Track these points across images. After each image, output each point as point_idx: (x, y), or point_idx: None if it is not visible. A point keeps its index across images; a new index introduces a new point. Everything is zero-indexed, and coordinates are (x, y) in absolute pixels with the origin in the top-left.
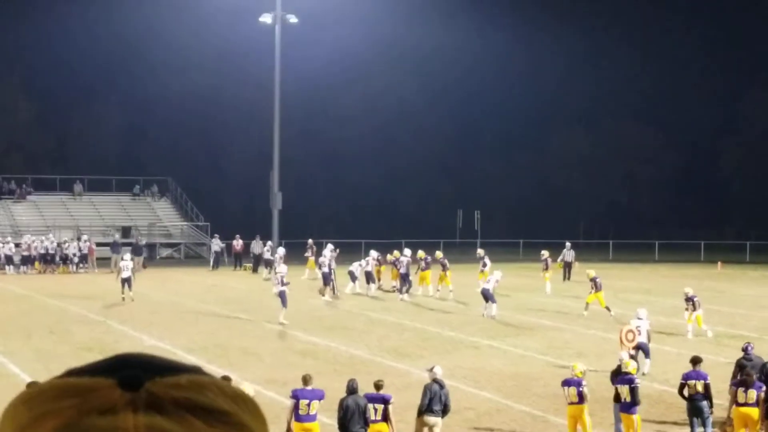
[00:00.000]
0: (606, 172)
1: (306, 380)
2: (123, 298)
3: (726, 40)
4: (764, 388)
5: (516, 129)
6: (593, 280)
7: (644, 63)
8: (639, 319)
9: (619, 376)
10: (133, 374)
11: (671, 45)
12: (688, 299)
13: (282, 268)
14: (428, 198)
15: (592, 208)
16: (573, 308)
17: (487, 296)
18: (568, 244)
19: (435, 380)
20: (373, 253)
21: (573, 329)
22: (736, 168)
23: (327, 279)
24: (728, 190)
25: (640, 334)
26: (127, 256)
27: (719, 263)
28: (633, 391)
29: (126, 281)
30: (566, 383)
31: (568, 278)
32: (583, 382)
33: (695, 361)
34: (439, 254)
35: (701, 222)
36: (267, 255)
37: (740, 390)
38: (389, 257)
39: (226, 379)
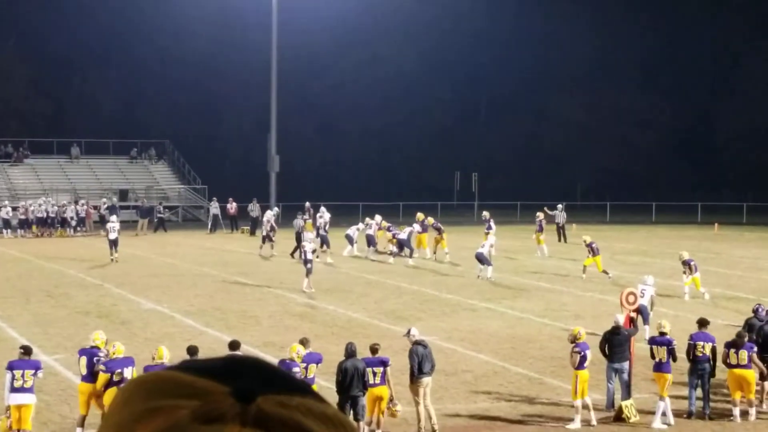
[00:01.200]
0: (602, 136)
1: (304, 343)
2: (111, 260)
3: (721, 5)
4: (755, 348)
5: (513, 92)
6: (589, 245)
7: (640, 28)
8: (645, 284)
9: (654, 337)
10: (249, 386)
11: (667, 10)
12: (685, 262)
13: (308, 236)
14: (425, 161)
15: (589, 170)
16: (570, 270)
17: (481, 259)
18: (560, 206)
19: (417, 342)
20: (377, 218)
21: (570, 291)
22: (732, 130)
23: (325, 240)
24: (725, 153)
25: (642, 296)
26: (114, 218)
27: (716, 225)
28: (671, 352)
29: (113, 243)
30: (654, 342)
31: (565, 240)
32: (674, 341)
33: (702, 323)
34: (430, 220)
35: (698, 184)
36: (266, 227)
37: (732, 351)
38: (384, 223)
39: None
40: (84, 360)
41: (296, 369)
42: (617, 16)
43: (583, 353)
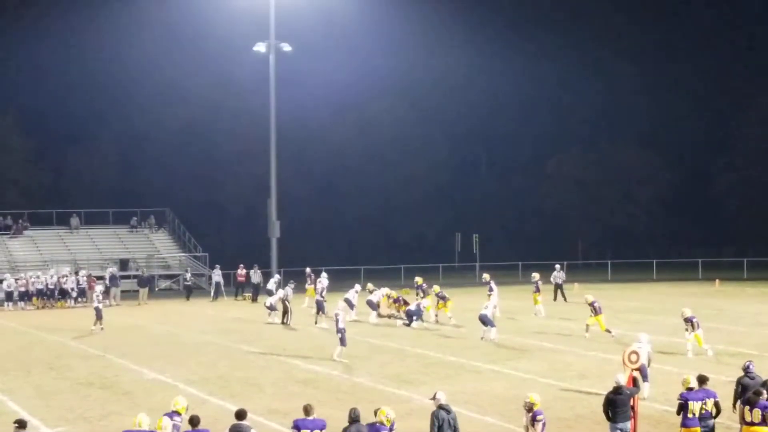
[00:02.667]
0: (603, 194)
1: (307, 410)
2: (92, 330)
3: (719, 63)
4: None
5: (512, 152)
6: (591, 304)
7: (639, 86)
8: (640, 342)
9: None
10: None
11: (666, 68)
12: (687, 320)
13: (340, 305)
14: (426, 223)
15: (589, 229)
16: (573, 330)
17: (485, 321)
18: (557, 266)
19: (441, 406)
20: (385, 290)
21: (574, 351)
22: (731, 187)
23: (321, 306)
24: (724, 209)
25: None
26: (99, 288)
27: (717, 281)
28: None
29: (96, 311)
30: (748, 403)
31: (564, 299)
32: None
33: (702, 380)
34: (437, 288)
35: (698, 241)
36: (273, 298)
37: (746, 409)
38: (393, 294)
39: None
40: (165, 420)
41: None
42: (615, 74)
43: (543, 421)
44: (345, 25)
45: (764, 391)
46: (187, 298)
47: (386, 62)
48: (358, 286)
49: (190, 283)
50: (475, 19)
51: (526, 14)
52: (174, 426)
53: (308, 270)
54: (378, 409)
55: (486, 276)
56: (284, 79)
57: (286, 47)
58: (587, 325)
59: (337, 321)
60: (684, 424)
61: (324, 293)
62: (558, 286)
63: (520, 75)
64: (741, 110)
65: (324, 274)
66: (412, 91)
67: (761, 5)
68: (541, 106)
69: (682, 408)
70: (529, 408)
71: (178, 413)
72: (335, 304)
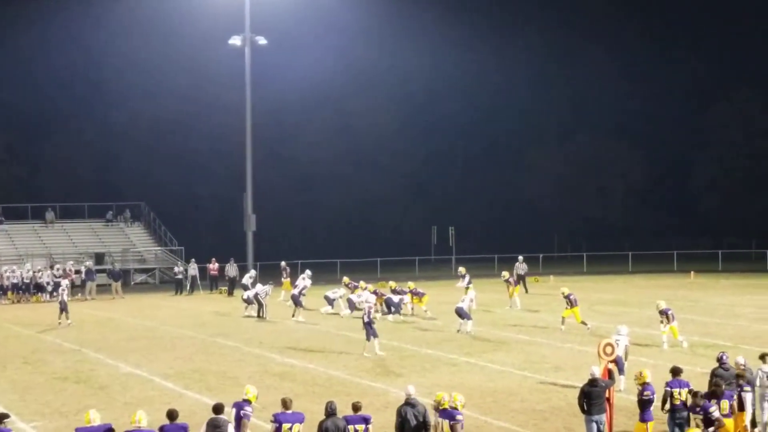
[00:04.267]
0: (579, 187)
1: (286, 403)
2: (59, 323)
3: (694, 55)
4: (735, 396)
5: (488, 146)
6: (567, 297)
7: (616, 78)
8: (619, 335)
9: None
10: None
11: (641, 61)
12: (662, 312)
13: (371, 298)
14: (402, 216)
15: (565, 221)
16: (549, 322)
17: (461, 314)
18: (520, 257)
19: (407, 401)
20: (369, 296)
21: (550, 343)
22: (706, 179)
23: (297, 300)
24: (699, 201)
25: (617, 346)
26: (65, 282)
27: (692, 273)
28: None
29: (61, 305)
30: (714, 396)
31: (525, 291)
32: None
33: (675, 371)
34: (411, 285)
35: (674, 233)
36: (250, 291)
37: (713, 402)
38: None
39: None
40: (233, 412)
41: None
42: (592, 67)
43: (456, 422)
44: (321, 19)
45: (722, 383)
46: (178, 292)
47: (363, 56)
48: (339, 290)
49: (180, 277)
50: (451, 14)
51: (501, 7)
52: (245, 415)
53: (283, 263)
54: (358, 402)
55: (462, 269)
56: (260, 72)
57: (262, 41)
58: (563, 318)
59: (367, 314)
60: (643, 419)
61: (305, 291)
62: (521, 278)
63: (497, 68)
64: (717, 103)
65: (308, 272)
66: (389, 85)
67: None
68: (517, 99)
69: (667, 397)
70: (436, 407)
71: (248, 401)
72: (315, 301)
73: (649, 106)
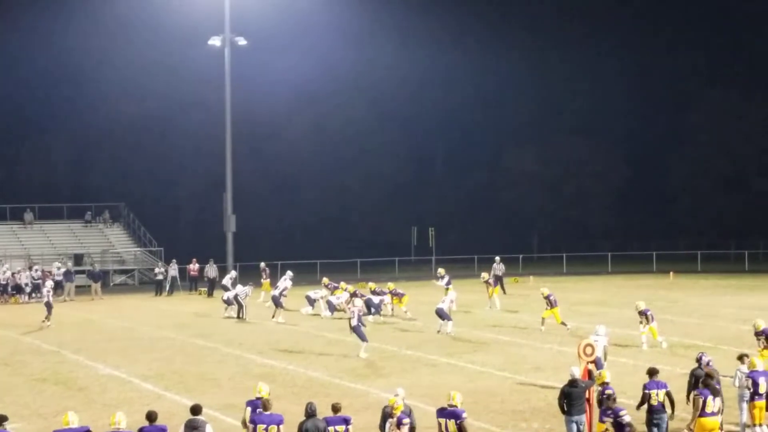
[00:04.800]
0: (558, 188)
1: (265, 405)
2: (42, 325)
3: (671, 54)
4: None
5: (467, 146)
6: (547, 297)
7: (591, 79)
8: (597, 335)
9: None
10: None
11: (617, 61)
12: (641, 312)
13: (358, 302)
14: (382, 217)
15: (544, 222)
16: (529, 323)
17: (441, 315)
18: (497, 258)
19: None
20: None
21: (530, 344)
22: (685, 180)
23: (277, 301)
24: (678, 202)
25: (597, 348)
26: (49, 283)
27: (671, 273)
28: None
29: (46, 306)
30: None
31: (503, 291)
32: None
33: (652, 372)
34: (391, 285)
35: (653, 233)
36: (230, 292)
37: (710, 399)
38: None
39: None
40: (248, 411)
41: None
42: (569, 67)
43: (463, 419)
44: (302, 20)
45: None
46: (158, 293)
47: (343, 57)
48: (320, 291)
49: (161, 278)
50: (432, 17)
51: (482, 10)
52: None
53: (263, 265)
54: (337, 403)
55: (441, 271)
56: (240, 73)
57: (242, 41)
58: (543, 319)
59: (356, 317)
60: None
61: (285, 292)
62: (498, 278)
63: (477, 70)
64: (695, 103)
65: (289, 273)
66: (369, 86)
67: None
68: (497, 101)
69: (645, 399)
70: (389, 412)
71: (261, 399)
72: (295, 302)
73: (627, 106)
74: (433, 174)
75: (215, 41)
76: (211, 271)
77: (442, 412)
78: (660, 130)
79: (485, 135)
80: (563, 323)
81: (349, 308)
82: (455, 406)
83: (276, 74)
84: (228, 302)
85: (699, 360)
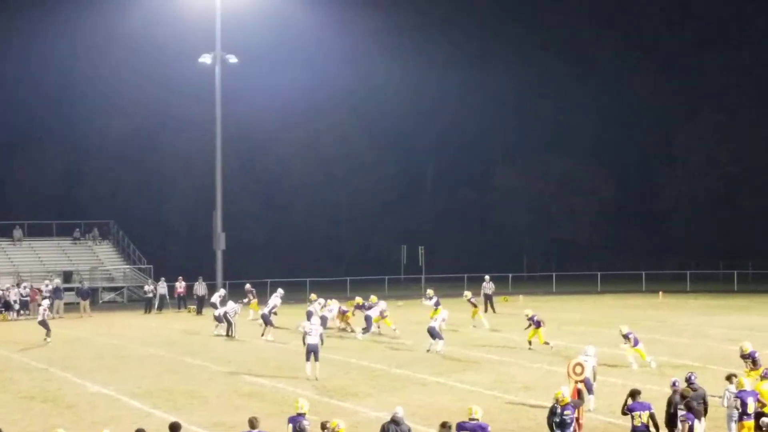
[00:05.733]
0: (547, 206)
1: (253, 423)
2: (48, 341)
3: (662, 75)
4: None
5: (458, 166)
6: (531, 318)
7: (584, 100)
8: (587, 355)
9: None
10: None
11: (612, 80)
12: (625, 336)
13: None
14: (372, 235)
15: (534, 241)
16: (518, 342)
17: (433, 334)
18: (486, 277)
19: (392, 419)
20: (336, 305)
21: (519, 363)
22: (675, 200)
23: (267, 319)
24: (668, 222)
25: (586, 368)
26: (45, 302)
27: (660, 293)
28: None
29: (42, 324)
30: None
31: (493, 311)
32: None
33: (634, 393)
34: (374, 298)
35: (642, 253)
36: (220, 309)
37: (696, 423)
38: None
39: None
40: (290, 428)
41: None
42: (560, 86)
43: None
44: (293, 38)
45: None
46: (147, 310)
47: (333, 75)
48: (322, 300)
49: (150, 295)
50: (423, 36)
51: (473, 31)
52: (302, 429)
53: (248, 286)
54: (326, 421)
55: (430, 292)
56: (231, 91)
57: (233, 59)
58: (529, 340)
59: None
60: None
61: (275, 310)
62: (488, 297)
63: (467, 88)
64: (686, 123)
65: (279, 291)
66: (359, 104)
67: (708, 4)
68: (487, 118)
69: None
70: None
71: (303, 415)
72: (285, 320)
73: (618, 126)
74: (423, 192)
75: (206, 59)
76: (201, 288)
77: (464, 426)
78: (650, 149)
79: (475, 153)
80: (546, 343)
81: (339, 323)
82: (476, 420)
83: (267, 91)
84: (218, 319)
85: (688, 380)
